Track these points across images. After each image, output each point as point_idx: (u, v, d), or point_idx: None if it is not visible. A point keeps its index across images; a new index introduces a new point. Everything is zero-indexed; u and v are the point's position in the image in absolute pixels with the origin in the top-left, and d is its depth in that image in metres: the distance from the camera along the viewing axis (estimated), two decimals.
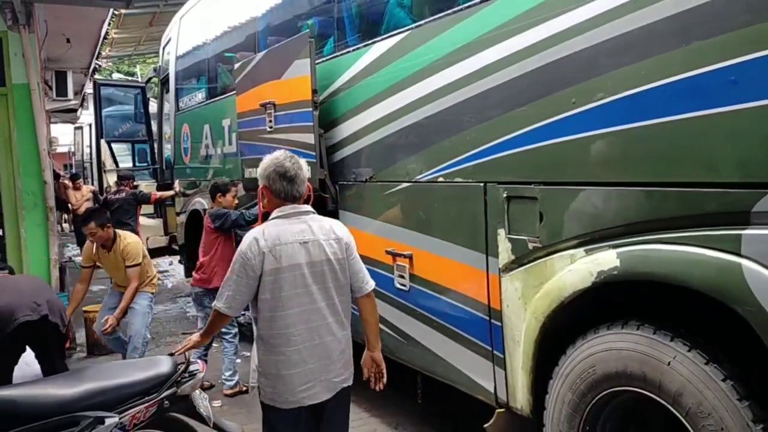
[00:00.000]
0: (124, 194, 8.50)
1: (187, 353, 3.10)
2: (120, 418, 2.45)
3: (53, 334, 4.14)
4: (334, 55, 4.64)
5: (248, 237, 2.78)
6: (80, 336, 6.76)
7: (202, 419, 3.12)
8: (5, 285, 4.20)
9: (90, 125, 20.04)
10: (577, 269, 2.76)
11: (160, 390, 2.98)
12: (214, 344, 5.78)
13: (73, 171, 17.79)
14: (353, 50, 4.39)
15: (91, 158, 19.72)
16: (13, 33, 6.24)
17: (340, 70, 4.48)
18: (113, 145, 13.38)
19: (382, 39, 4.04)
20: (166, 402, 2.99)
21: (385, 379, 3.11)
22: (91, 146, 19.67)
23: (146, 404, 2.90)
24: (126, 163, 13.58)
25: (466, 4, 3.34)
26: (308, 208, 2.90)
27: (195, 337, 3.03)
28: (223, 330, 5.27)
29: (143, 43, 17.50)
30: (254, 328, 2.87)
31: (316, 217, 2.91)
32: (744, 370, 2.29)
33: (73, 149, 23.40)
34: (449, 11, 3.48)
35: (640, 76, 2.44)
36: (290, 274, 2.74)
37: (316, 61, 4.50)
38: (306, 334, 2.77)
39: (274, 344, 2.76)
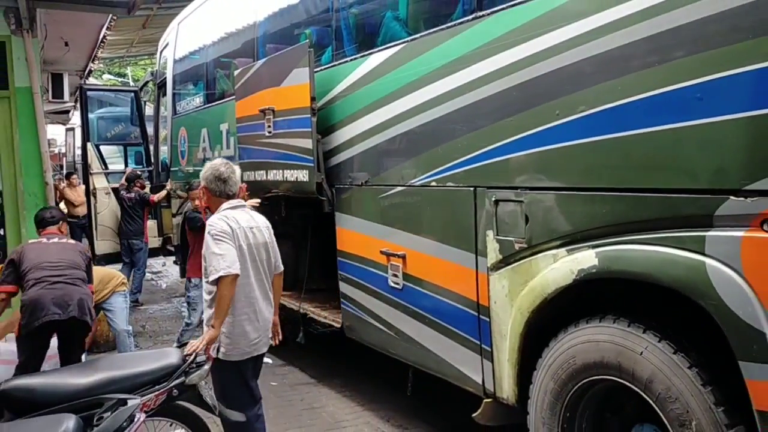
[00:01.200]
0: (134, 194, 8.80)
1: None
2: (141, 400, 2.64)
3: (79, 330, 4.39)
4: (332, 64, 4.85)
5: (217, 221, 3.46)
6: None
7: (208, 407, 3.31)
8: (42, 261, 4.40)
9: (81, 127, 20.13)
10: (559, 268, 2.98)
11: (170, 380, 3.15)
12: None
13: (65, 171, 17.84)
14: (351, 60, 4.60)
15: (81, 159, 19.81)
16: (17, 37, 6.40)
17: (338, 78, 4.69)
18: (103, 148, 13.50)
19: (379, 50, 4.25)
20: (175, 391, 3.17)
21: (281, 336, 3.87)
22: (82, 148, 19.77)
23: (156, 393, 3.07)
24: (117, 165, 13.71)
25: (458, 21, 3.57)
26: (244, 203, 3.78)
27: (210, 333, 3.32)
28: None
29: (136, 45, 17.58)
30: (205, 294, 3.50)
31: (254, 211, 3.84)
32: (707, 358, 2.53)
33: (64, 150, 23.43)
34: (442, 26, 3.71)
35: (618, 92, 2.67)
36: (248, 251, 3.50)
37: (315, 70, 4.71)
38: (256, 298, 3.54)
39: (239, 306, 3.46)
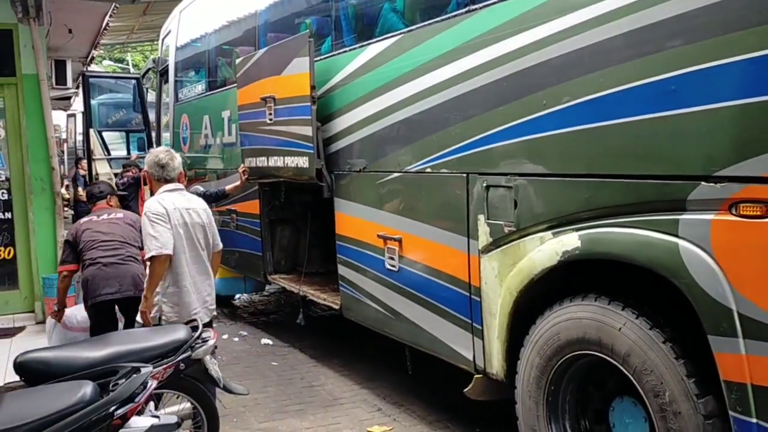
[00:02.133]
0: (125, 179, 8.99)
1: (199, 320, 3.54)
2: (154, 369, 2.82)
3: (135, 305, 4.55)
4: (332, 53, 5.00)
5: (153, 203, 3.89)
6: None
7: (213, 381, 3.49)
8: (96, 241, 4.63)
9: (83, 112, 20.26)
10: (545, 250, 3.16)
11: (177, 354, 3.32)
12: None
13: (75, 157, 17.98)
14: (350, 50, 4.75)
15: (83, 146, 19.95)
16: (23, 25, 6.55)
17: (337, 68, 4.84)
18: (105, 134, 13.64)
19: (377, 41, 4.41)
20: (182, 365, 3.34)
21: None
22: (83, 133, 19.91)
23: (164, 366, 3.25)
24: (120, 151, 13.88)
25: (453, 14, 3.73)
26: (183, 187, 4.14)
27: (143, 303, 3.86)
28: None
29: (136, 31, 17.67)
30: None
31: (191, 194, 4.24)
32: (680, 333, 2.70)
33: (65, 136, 23.54)
34: (438, 19, 3.86)
35: (600, 84, 2.83)
36: (184, 230, 3.90)
37: (315, 59, 4.86)
38: (192, 273, 3.95)
39: (178, 279, 3.89)
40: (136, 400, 2.51)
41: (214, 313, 4.17)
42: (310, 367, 5.69)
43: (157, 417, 2.82)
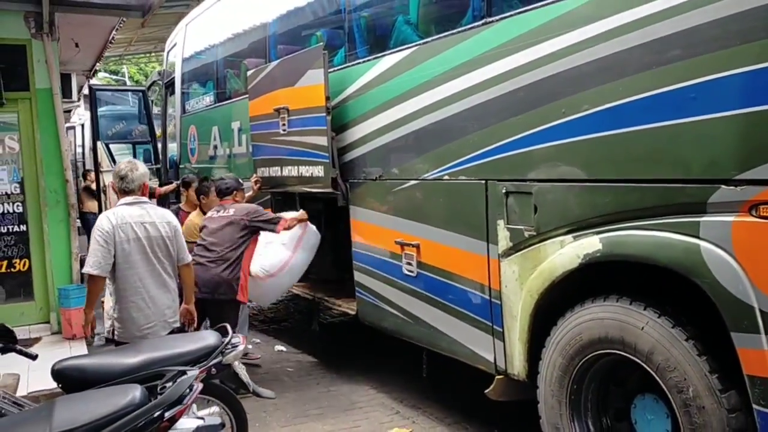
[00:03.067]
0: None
1: (228, 327, 3.63)
2: (199, 371, 2.91)
3: (226, 306, 4.96)
4: (346, 65, 5.11)
5: (102, 217, 3.92)
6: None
7: (243, 385, 3.59)
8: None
9: (83, 125, 20.30)
10: (566, 253, 3.27)
11: (208, 359, 3.41)
12: None
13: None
14: (364, 61, 4.87)
15: (83, 158, 19.98)
16: (37, 41, 6.65)
17: (352, 79, 4.95)
18: (112, 146, 13.72)
19: (392, 52, 4.52)
20: (213, 370, 3.42)
21: (195, 324, 4.35)
22: (83, 146, 19.94)
23: (199, 370, 3.34)
24: None
25: (469, 26, 3.85)
26: (146, 199, 4.08)
27: (83, 316, 3.99)
28: None
29: (134, 44, 17.80)
30: (108, 286, 4.00)
31: (154, 206, 4.17)
32: (702, 331, 2.81)
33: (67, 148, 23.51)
34: (454, 31, 3.98)
35: (619, 92, 2.95)
36: (135, 244, 3.85)
37: (329, 71, 4.97)
38: (147, 287, 3.91)
39: (127, 295, 3.87)
40: (184, 402, 2.60)
41: (176, 325, 4.10)
42: (325, 372, 5.78)
43: (202, 419, 2.91)
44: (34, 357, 3.47)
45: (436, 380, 5.00)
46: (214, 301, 4.94)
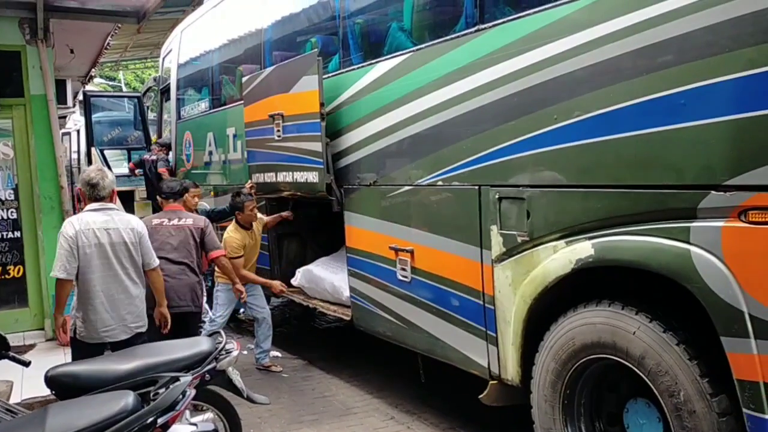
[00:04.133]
0: (155, 156, 9.45)
1: (222, 332, 3.64)
2: (192, 377, 2.91)
3: (192, 319, 4.91)
4: (340, 71, 5.13)
5: (66, 222, 3.99)
6: None
7: (237, 391, 3.58)
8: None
9: (78, 131, 20.29)
10: (559, 258, 3.28)
11: (202, 365, 3.41)
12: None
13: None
14: (358, 67, 4.89)
15: (78, 164, 19.96)
16: (32, 47, 6.64)
17: (346, 85, 4.97)
18: (107, 152, 13.71)
19: (386, 59, 4.54)
20: (207, 376, 3.43)
21: (168, 326, 4.38)
22: (78, 152, 19.93)
23: (192, 377, 3.34)
24: (122, 168, 13.94)
25: (462, 32, 3.87)
26: (113, 205, 4.12)
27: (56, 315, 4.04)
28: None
29: (129, 50, 17.83)
30: (75, 288, 4.00)
31: (120, 212, 4.17)
32: (693, 335, 2.83)
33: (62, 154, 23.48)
34: (447, 37, 4.00)
35: (610, 98, 2.98)
36: (97, 250, 3.91)
37: (323, 77, 4.98)
38: (107, 291, 3.96)
39: (87, 298, 3.93)
40: (177, 408, 2.61)
41: (140, 330, 4.11)
42: (321, 378, 5.78)
43: (195, 425, 2.92)
44: (27, 364, 3.47)
45: (431, 385, 5.00)
46: (193, 313, 4.92)
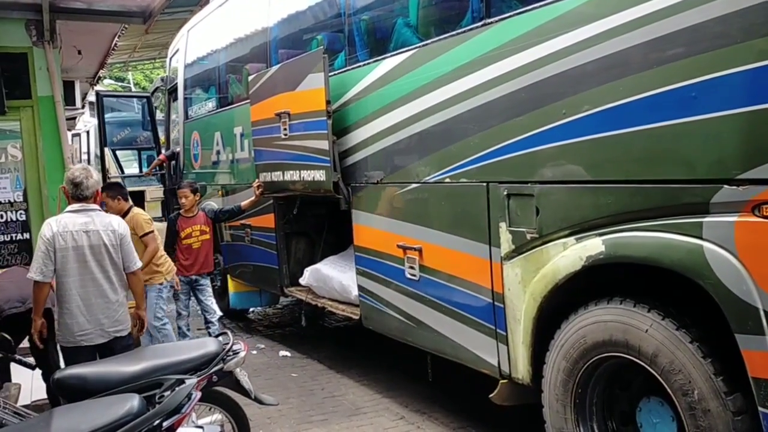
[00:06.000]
0: None
1: (230, 333, 3.62)
2: (197, 380, 2.89)
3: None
4: (346, 69, 5.09)
5: (45, 224, 3.91)
6: None
7: (244, 392, 3.56)
8: None
9: (88, 132, 20.39)
10: (569, 255, 3.23)
11: (209, 367, 3.39)
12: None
13: None
14: (364, 65, 4.85)
15: (89, 165, 20.04)
16: (38, 49, 6.67)
17: (352, 82, 4.93)
18: (119, 152, 13.78)
19: (392, 55, 4.50)
20: (214, 377, 3.41)
21: (144, 329, 4.36)
22: (89, 153, 20.03)
23: (198, 378, 3.32)
24: (133, 169, 14.00)
25: (468, 27, 3.82)
26: (95, 206, 4.03)
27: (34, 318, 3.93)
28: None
29: (138, 50, 17.86)
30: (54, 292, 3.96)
31: (101, 213, 4.05)
32: (707, 332, 2.77)
33: (70, 155, 23.63)
34: (454, 33, 3.95)
35: (619, 92, 2.92)
36: (74, 252, 3.83)
37: (329, 74, 4.95)
38: (83, 295, 3.88)
39: (62, 301, 3.88)
40: (183, 411, 2.58)
41: (120, 335, 4.00)
42: (330, 378, 5.75)
43: (201, 428, 2.90)
44: (33, 367, 3.46)
45: (442, 385, 4.97)
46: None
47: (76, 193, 3.95)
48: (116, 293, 4.01)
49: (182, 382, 2.71)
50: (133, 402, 2.52)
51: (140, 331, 4.30)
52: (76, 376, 3.28)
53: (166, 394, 2.64)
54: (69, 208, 3.97)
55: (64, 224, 3.85)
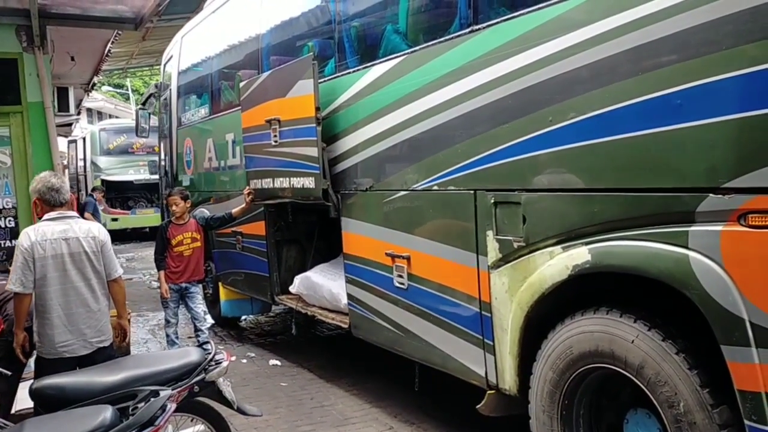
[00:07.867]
0: None
1: (212, 343, 3.56)
2: (172, 392, 2.83)
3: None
4: (335, 75, 5.06)
5: (23, 233, 3.81)
6: None
7: (227, 402, 3.50)
8: None
9: (84, 139, 20.39)
10: (556, 264, 3.18)
11: (191, 377, 3.35)
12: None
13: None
14: (353, 71, 4.81)
15: (85, 171, 20.05)
16: (28, 54, 6.63)
17: (341, 89, 4.90)
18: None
19: (381, 62, 4.46)
20: (196, 387, 3.36)
21: (128, 339, 4.31)
22: (85, 160, 20.02)
23: (179, 389, 3.27)
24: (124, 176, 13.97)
25: (456, 34, 3.79)
26: (73, 213, 3.96)
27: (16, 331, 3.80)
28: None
29: (135, 57, 17.84)
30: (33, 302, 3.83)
31: (79, 220, 3.96)
32: (693, 344, 2.72)
33: (66, 162, 23.66)
34: (441, 39, 3.92)
35: (605, 99, 2.88)
36: (54, 261, 3.72)
37: (319, 81, 4.91)
38: (64, 305, 3.78)
39: (42, 312, 3.76)
40: (157, 423, 2.53)
41: (102, 345, 3.90)
42: (319, 387, 5.69)
43: None
44: (8, 375, 3.41)
45: (432, 395, 4.91)
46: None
47: (58, 199, 3.86)
48: (98, 302, 3.92)
49: (157, 393, 2.65)
50: (105, 414, 2.47)
51: (123, 341, 4.20)
52: (54, 386, 3.23)
53: (140, 405, 2.59)
54: (46, 216, 3.85)
55: (42, 233, 3.76)
